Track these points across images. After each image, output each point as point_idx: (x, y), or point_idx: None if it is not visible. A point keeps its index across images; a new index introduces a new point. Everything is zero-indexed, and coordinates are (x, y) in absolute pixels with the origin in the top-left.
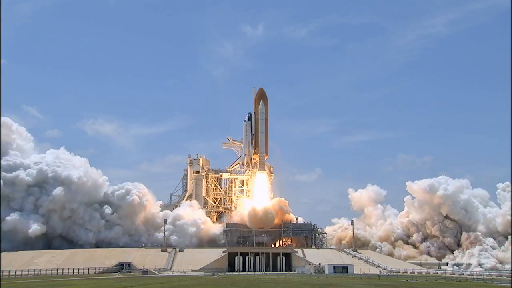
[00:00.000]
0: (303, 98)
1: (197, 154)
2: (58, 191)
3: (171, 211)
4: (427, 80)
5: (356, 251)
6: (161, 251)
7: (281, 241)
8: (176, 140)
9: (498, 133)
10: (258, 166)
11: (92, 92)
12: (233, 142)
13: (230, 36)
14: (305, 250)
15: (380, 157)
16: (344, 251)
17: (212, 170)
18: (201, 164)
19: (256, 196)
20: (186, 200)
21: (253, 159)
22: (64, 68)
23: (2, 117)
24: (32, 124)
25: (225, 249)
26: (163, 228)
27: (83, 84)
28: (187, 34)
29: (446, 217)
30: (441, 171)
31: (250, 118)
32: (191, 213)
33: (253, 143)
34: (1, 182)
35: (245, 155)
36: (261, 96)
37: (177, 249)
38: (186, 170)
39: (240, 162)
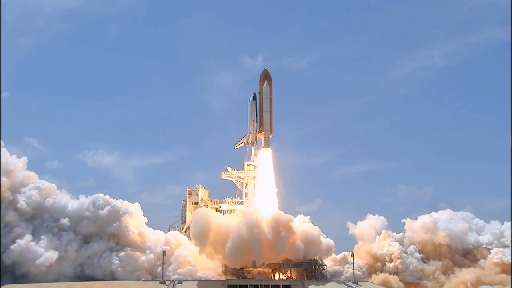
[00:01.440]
0: (302, 129)
1: (196, 185)
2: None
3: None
4: (425, 110)
5: (357, 283)
6: (160, 283)
7: (280, 273)
8: (175, 170)
9: (497, 162)
10: (263, 144)
11: (93, 123)
12: (232, 172)
13: (229, 67)
14: (305, 282)
15: (380, 187)
16: (344, 283)
17: (211, 200)
18: (200, 195)
19: (260, 175)
20: (185, 231)
21: (258, 137)
22: (65, 100)
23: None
24: (33, 156)
25: (224, 280)
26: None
27: (84, 115)
28: (186, 65)
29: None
30: (441, 201)
31: (254, 98)
32: (190, 244)
33: (258, 121)
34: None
35: (250, 133)
36: (265, 76)
37: (176, 282)
38: (185, 201)
39: (245, 141)
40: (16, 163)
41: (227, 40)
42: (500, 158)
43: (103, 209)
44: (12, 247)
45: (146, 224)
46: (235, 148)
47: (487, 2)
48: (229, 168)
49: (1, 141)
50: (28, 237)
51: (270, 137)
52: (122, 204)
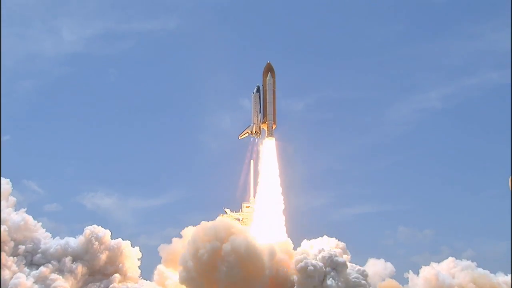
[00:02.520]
0: (301, 171)
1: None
2: None
3: None
4: (423, 152)
5: None
6: None
7: None
8: (173, 212)
9: (497, 204)
10: (266, 133)
11: (92, 165)
12: (231, 214)
13: (228, 109)
14: None
15: (380, 230)
16: None
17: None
18: None
19: (264, 164)
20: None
21: (262, 128)
22: (64, 142)
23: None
24: (31, 199)
25: None
26: None
27: (83, 157)
28: (185, 107)
29: None
30: (442, 245)
31: (258, 90)
32: None
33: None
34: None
35: (253, 124)
36: (269, 69)
37: None
38: None
39: (249, 131)
40: None
41: (226, 82)
42: (499, 200)
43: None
44: None
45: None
46: (240, 138)
47: (483, 46)
48: (227, 210)
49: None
50: None
51: (273, 128)
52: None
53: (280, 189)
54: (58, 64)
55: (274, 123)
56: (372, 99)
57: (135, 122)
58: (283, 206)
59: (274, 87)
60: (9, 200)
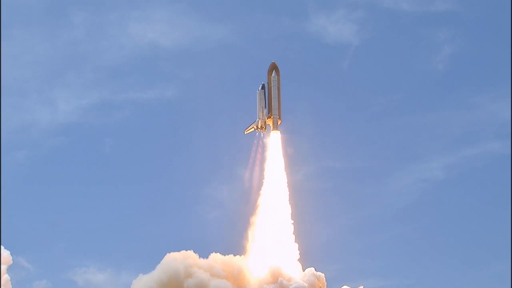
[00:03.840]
0: (301, 244)
1: None
2: None
3: None
4: (427, 224)
5: None
6: None
7: None
8: None
9: (500, 282)
10: (272, 128)
11: (84, 240)
12: None
13: (225, 180)
14: None
15: None
16: None
17: None
18: None
19: (269, 158)
20: None
21: (267, 123)
22: (56, 215)
23: None
24: (20, 276)
25: None
26: None
27: (75, 231)
28: (181, 177)
29: None
30: None
31: (263, 88)
32: None
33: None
34: None
35: (259, 119)
36: (273, 68)
37: None
38: None
39: (255, 126)
40: None
41: (223, 153)
42: (502, 278)
43: None
44: None
45: None
46: (245, 133)
47: (484, 116)
48: None
49: None
50: None
51: (279, 123)
52: None
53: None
54: (52, 135)
55: (279, 118)
56: (372, 169)
57: (130, 194)
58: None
59: (279, 84)
60: None
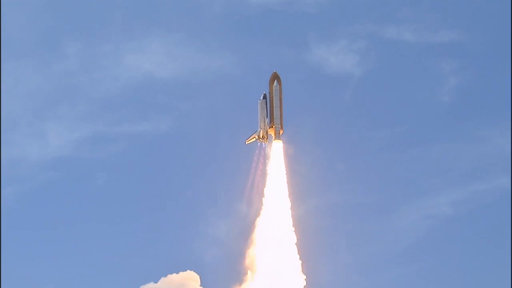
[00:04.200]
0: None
1: None
2: None
3: None
4: (435, 261)
5: None
6: None
7: None
8: None
9: None
10: (274, 137)
11: (75, 279)
12: None
13: (223, 215)
14: None
15: None
16: None
17: None
18: None
19: (272, 165)
20: None
21: (269, 133)
22: (46, 253)
23: None
24: None
25: None
26: None
27: (66, 271)
28: (177, 213)
29: None
30: None
31: (265, 97)
32: None
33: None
34: None
35: (260, 129)
36: (275, 77)
37: None
38: None
39: (256, 136)
40: None
41: (220, 186)
42: None
43: None
44: None
45: None
46: (246, 143)
47: (492, 150)
48: None
49: None
50: None
51: (281, 133)
52: None
53: None
54: (43, 170)
55: (281, 128)
56: (377, 205)
57: (123, 232)
58: None
59: (280, 93)
60: None
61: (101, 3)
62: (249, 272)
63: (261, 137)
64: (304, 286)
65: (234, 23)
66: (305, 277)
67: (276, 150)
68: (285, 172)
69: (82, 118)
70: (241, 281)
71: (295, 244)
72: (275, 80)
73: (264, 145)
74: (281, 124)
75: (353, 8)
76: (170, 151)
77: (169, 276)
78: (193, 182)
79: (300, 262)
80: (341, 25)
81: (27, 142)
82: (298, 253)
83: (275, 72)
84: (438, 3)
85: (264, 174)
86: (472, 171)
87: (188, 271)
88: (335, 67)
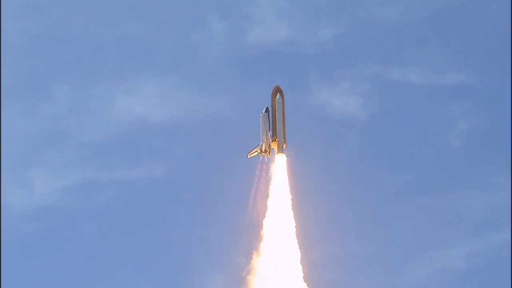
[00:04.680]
0: None
1: None
2: None
3: None
4: None
5: None
6: None
7: None
8: None
9: None
10: (276, 151)
11: None
12: None
13: (220, 268)
14: None
15: None
16: None
17: None
18: None
19: (274, 180)
20: None
21: (272, 147)
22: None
23: None
24: None
25: None
26: None
27: None
28: (172, 268)
29: None
30: None
31: (267, 111)
32: None
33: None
34: None
35: (263, 142)
36: (277, 91)
37: None
38: None
39: (258, 150)
40: None
41: (217, 237)
42: None
43: None
44: None
45: None
46: (248, 157)
47: (508, 197)
48: None
49: None
50: None
51: (284, 147)
52: None
53: None
54: (27, 220)
55: (284, 142)
56: (385, 257)
57: (113, 286)
58: None
59: (283, 107)
60: None
61: (91, 42)
62: None
63: (264, 151)
64: None
65: (232, 64)
66: None
67: (279, 165)
68: (287, 172)
69: (70, 164)
70: None
71: None
72: (278, 93)
73: (266, 159)
74: (284, 138)
75: (356, 48)
76: (164, 199)
77: None
78: (188, 232)
79: None
80: (344, 66)
81: (10, 190)
82: None
83: (277, 86)
84: (445, 44)
85: (265, 207)
86: (487, 220)
87: None
88: (339, 110)
